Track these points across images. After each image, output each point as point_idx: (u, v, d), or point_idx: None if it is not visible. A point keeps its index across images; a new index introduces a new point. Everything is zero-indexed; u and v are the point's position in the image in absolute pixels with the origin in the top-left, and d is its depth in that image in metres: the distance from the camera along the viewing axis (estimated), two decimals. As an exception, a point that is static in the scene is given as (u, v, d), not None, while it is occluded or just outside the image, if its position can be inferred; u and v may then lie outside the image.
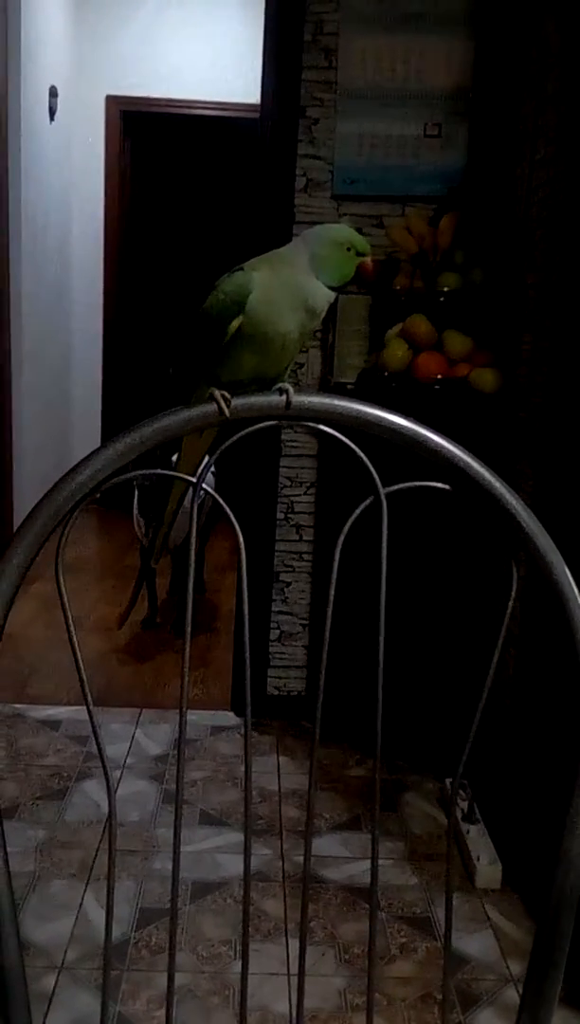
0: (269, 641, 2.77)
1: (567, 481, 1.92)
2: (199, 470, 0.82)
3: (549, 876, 0.77)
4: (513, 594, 0.79)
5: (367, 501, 0.79)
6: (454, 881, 0.84)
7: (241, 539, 0.80)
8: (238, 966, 1.76)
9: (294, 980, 1.73)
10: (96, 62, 4.81)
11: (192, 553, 0.82)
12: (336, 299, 0.85)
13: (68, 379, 5.11)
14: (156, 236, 5.43)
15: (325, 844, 2.16)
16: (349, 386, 2.49)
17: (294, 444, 2.66)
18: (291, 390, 0.79)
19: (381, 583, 0.80)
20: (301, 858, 2.10)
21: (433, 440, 0.78)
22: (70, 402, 5.16)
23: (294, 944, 1.83)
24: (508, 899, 2.00)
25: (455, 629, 2.38)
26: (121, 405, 5.25)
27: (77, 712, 2.71)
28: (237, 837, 2.17)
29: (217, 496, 0.82)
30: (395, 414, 0.79)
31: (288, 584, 2.75)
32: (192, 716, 2.73)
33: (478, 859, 2.04)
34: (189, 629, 0.81)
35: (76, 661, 0.76)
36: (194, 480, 0.80)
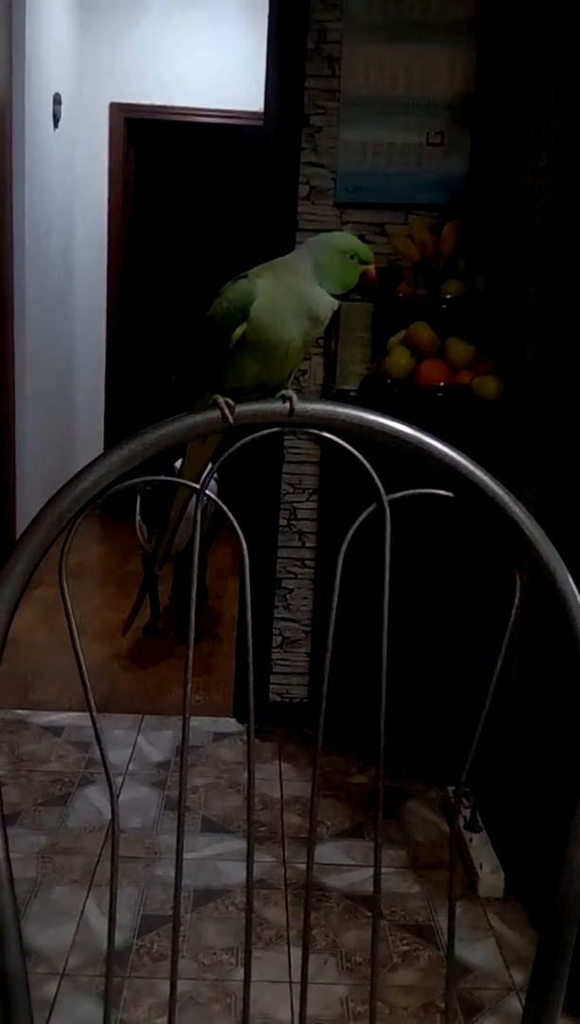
0: (271, 648, 2.77)
1: (569, 489, 1.92)
2: (203, 477, 0.82)
3: (552, 885, 0.77)
4: (516, 602, 0.79)
5: (371, 508, 0.79)
6: (456, 889, 0.83)
7: (245, 546, 0.80)
8: (240, 973, 1.75)
9: (296, 988, 1.73)
10: (100, 69, 4.83)
11: (195, 560, 0.82)
12: (339, 306, 0.86)
13: (71, 384, 5.12)
14: (159, 243, 5.45)
15: (327, 852, 2.15)
16: (352, 393, 2.50)
17: (297, 450, 2.66)
18: (295, 397, 0.79)
19: (384, 590, 0.80)
20: (303, 865, 2.09)
21: (436, 447, 0.79)
22: (73, 407, 5.17)
23: (296, 952, 1.82)
24: (511, 908, 2.00)
25: (457, 636, 2.38)
26: (124, 410, 5.25)
27: (79, 718, 2.71)
28: (239, 844, 2.16)
29: (221, 503, 0.83)
30: (398, 421, 0.79)
31: (290, 591, 2.75)
32: (194, 722, 2.73)
33: (481, 867, 2.04)
34: (193, 635, 0.81)
35: (80, 668, 0.76)
36: (197, 486, 0.81)
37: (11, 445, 4.11)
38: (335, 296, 0.84)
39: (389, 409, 0.80)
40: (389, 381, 2.37)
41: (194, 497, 0.80)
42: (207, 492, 0.80)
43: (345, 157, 2.52)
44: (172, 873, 2.00)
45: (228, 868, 2.07)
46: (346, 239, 0.84)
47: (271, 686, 2.79)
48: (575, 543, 1.13)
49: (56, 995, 1.68)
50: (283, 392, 0.80)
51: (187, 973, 1.75)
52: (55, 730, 2.64)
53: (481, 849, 2.10)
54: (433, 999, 1.73)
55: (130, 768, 2.48)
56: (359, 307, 2.47)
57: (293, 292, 0.82)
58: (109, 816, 2.24)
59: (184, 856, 0.81)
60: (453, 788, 2.37)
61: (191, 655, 0.81)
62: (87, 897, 1.95)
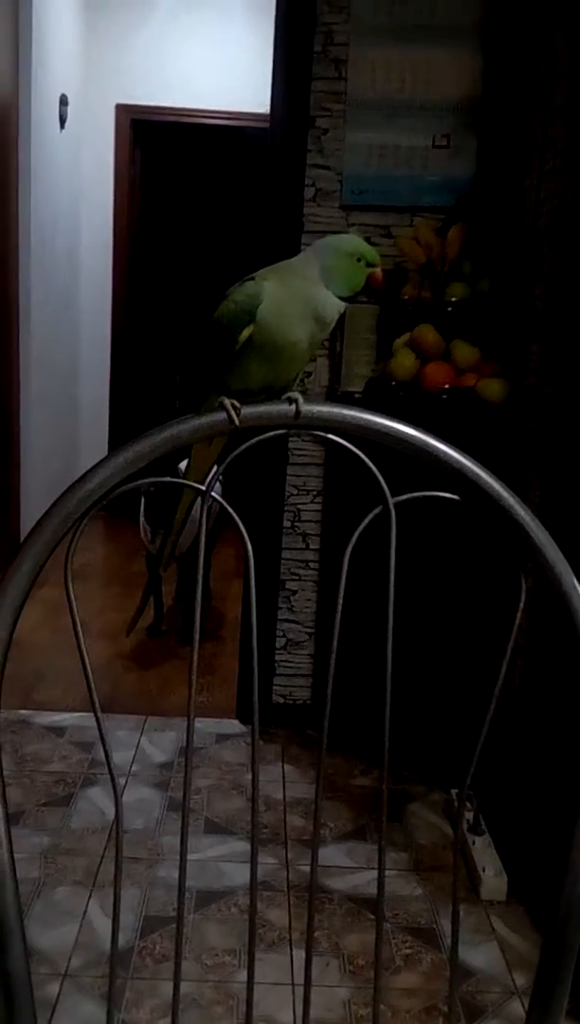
0: (275, 649, 2.77)
1: (574, 492, 1.92)
2: (208, 479, 0.82)
3: (556, 889, 0.76)
4: (521, 605, 0.79)
5: (376, 510, 0.79)
6: (459, 892, 0.83)
7: (250, 548, 0.80)
8: (242, 975, 1.75)
9: (298, 990, 1.73)
10: (107, 70, 4.84)
11: (201, 561, 0.82)
12: (345, 309, 0.86)
13: (76, 386, 5.13)
14: (165, 244, 5.45)
15: (330, 854, 2.15)
16: (356, 395, 2.50)
17: (301, 452, 2.66)
18: (301, 399, 0.79)
19: (389, 593, 0.80)
20: (305, 867, 2.09)
21: (442, 451, 0.79)
22: (78, 409, 5.17)
23: (298, 954, 1.82)
24: (514, 911, 1.99)
25: (460, 639, 2.38)
26: (129, 412, 5.26)
27: (82, 718, 2.71)
28: (241, 846, 2.16)
29: (226, 505, 0.83)
30: (404, 424, 0.79)
31: (294, 592, 2.75)
32: (197, 724, 2.73)
33: (483, 870, 2.04)
34: (197, 637, 0.81)
35: (85, 670, 0.76)
36: (203, 488, 0.81)
37: (16, 446, 4.11)
38: (341, 298, 0.84)
39: (394, 411, 0.80)
40: (394, 383, 2.37)
41: (199, 499, 0.80)
42: (213, 494, 0.80)
43: (351, 159, 2.53)
44: (175, 874, 2.00)
45: (230, 870, 2.07)
46: (353, 242, 0.84)
47: (274, 688, 2.79)
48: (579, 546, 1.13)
49: (58, 996, 1.68)
50: (289, 394, 0.80)
51: (189, 975, 1.75)
52: (58, 730, 2.65)
53: (484, 852, 2.10)
54: (435, 1002, 1.72)
55: (133, 769, 2.48)
56: (364, 309, 2.47)
57: (300, 294, 0.83)
58: (112, 817, 2.24)
59: (186, 857, 0.81)
60: (456, 791, 2.37)
61: (196, 657, 0.81)
62: (89, 898, 1.95)
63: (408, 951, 1.86)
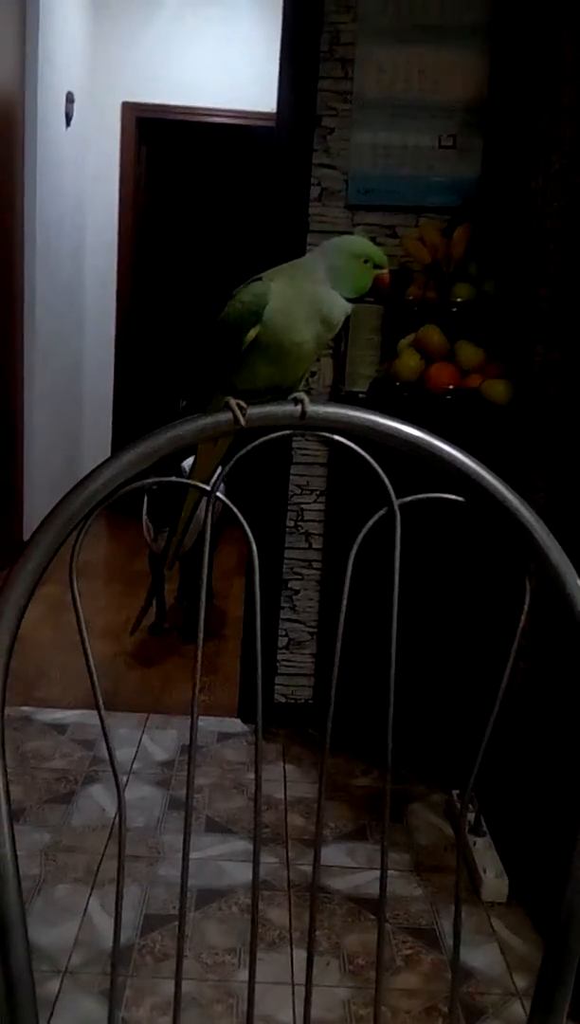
0: (277, 649, 2.77)
1: (578, 494, 1.92)
2: (213, 479, 0.83)
3: (558, 893, 0.76)
4: (526, 608, 0.79)
5: (381, 512, 0.79)
6: (460, 894, 0.83)
7: (254, 547, 0.80)
8: (242, 974, 1.75)
9: (297, 989, 1.73)
10: (113, 69, 4.84)
11: (205, 561, 0.82)
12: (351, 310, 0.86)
13: (79, 384, 5.13)
14: (169, 243, 5.45)
15: (330, 854, 2.15)
16: (361, 395, 2.50)
17: (305, 452, 2.66)
18: (307, 400, 0.79)
19: (393, 594, 0.80)
20: (305, 867, 2.09)
21: (448, 452, 0.78)
22: (81, 407, 5.18)
23: (298, 953, 1.82)
24: (514, 913, 1.99)
25: (462, 639, 2.38)
26: (132, 410, 5.26)
27: (84, 716, 2.71)
28: (242, 845, 2.17)
29: (232, 505, 0.83)
30: (410, 426, 0.79)
31: (297, 592, 2.75)
32: (199, 722, 2.72)
33: (484, 872, 2.04)
34: (201, 636, 0.81)
35: (89, 668, 0.76)
36: (208, 488, 0.81)
37: (19, 444, 4.12)
38: (348, 300, 0.84)
39: (398, 412, 0.80)
40: (398, 384, 2.37)
41: (204, 498, 0.80)
42: (218, 494, 0.80)
43: (357, 159, 2.53)
44: (175, 872, 2.01)
45: (231, 868, 2.08)
46: (360, 243, 0.84)
47: (276, 687, 2.79)
48: (584, 549, 1.13)
49: (58, 993, 1.68)
50: (295, 395, 0.80)
51: (189, 973, 1.75)
52: (59, 727, 2.65)
53: (485, 853, 2.10)
54: (435, 1003, 1.72)
55: (134, 767, 2.48)
56: (369, 309, 2.47)
57: (306, 295, 0.83)
58: (112, 814, 2.24)
59: (189, 856, 0.81)
60: (457, 791, 2.37)
61: (201, 655, 0.81)
62: (90, 895, 1.95)
63: (408, 952, 1.86)
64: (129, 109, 4.91)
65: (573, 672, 0.77)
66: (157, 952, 1.81)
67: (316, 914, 0.83)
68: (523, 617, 0.79)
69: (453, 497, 0.79)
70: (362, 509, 0.81)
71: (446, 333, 2.38)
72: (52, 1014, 1.64)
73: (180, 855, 0.79)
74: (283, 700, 2.79)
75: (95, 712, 2.86)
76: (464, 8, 2.46)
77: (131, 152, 5.00)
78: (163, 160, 5.29)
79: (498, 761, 2.25)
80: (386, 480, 0.78)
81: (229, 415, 0.78)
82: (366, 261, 0.84)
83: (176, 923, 1.88)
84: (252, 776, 2.46)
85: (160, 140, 5.17)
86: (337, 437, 0.81)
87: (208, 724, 2.74)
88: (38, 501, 4.16)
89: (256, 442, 0.81)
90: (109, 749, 0.81)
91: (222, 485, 0.80)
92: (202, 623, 0.81)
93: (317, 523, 2.70)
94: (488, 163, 2.53)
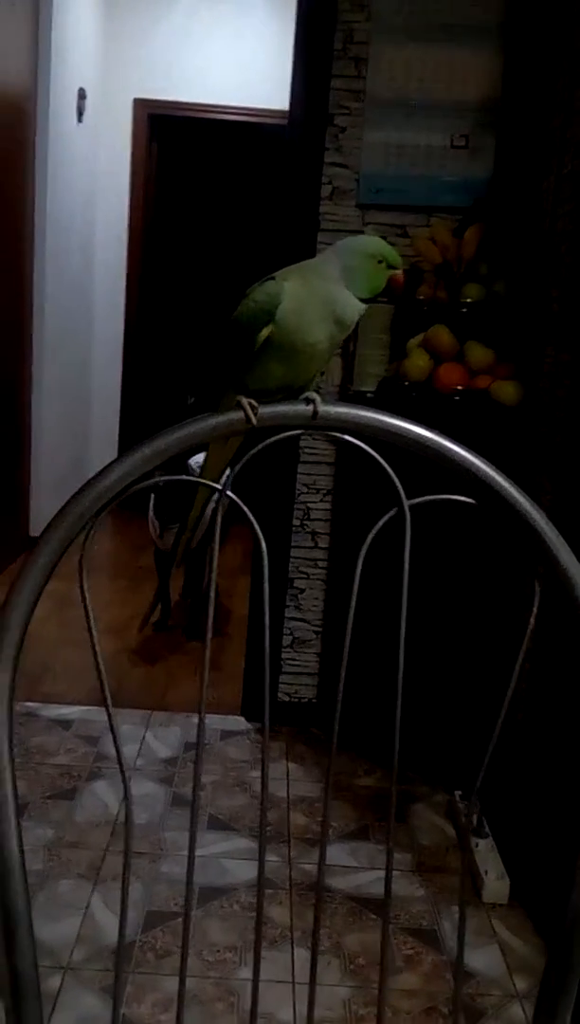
0: (282, 647, 2.77)
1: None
2: (224, 477, 0.82)
3: (563, 898, 0.76)
4: (535, 610, 0.79)
5: (391, 512, 0.79)
6: (463, 895, 0.83)
7: (264, 546, 0.80)
8: (243, 972, 1.75)
9: (298, 988, 1.73)
10: (125, 65, 4.84)
11: (215, 559, 0.82)
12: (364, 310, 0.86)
13: (88, 379, 5.13)
14: (179, 239, 5.45)
15: (333, 853, 2.15)
16: (369, 395, 2.49)
17: (312, 451, 2.66)
18: (318, 400, 0.79)
19: (402, 595, 0.80)
20: (308, 866, 2.09)
21: (459, 454, 0.78)
22: (89, 402, 5.18)
23: (299, 952, 1.82)
24: (515, 914, 1.99)
25: (467, 640, 2.37)
26: (140, 407, 5.26)
27: (88, 712, 2.72)
28: (244, 843, 2.17)
29: (243, 505, 0.82)
30: (421, 426, 0.79)
31: (302, 591, 2.74)
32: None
33: (486, 873, 2.03)
34: (209, 635, 0.81)
35: (97, 666, 0.76)
36: (219, 487, 0.81)
37: (27, 439, 4.12)
38: (362, 300, 0.84)
39: (406, 412, 0.80)
40: (407, 383, 2.37)
41: (213, 496, 0.80)
42: (229, 493, 0.80)
43: (369, 158, 2.52)
44: (177, 869, 2.01)
45: (233, 866, 2.08)
46: (374, 243, 0.84)
47: (280, 685, 2.79)
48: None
49: (60, 989, 1.69)
50: (307, 394, 0.80)
51: (191, 971, 1.75)
52: (64, 723, 2.65)
53: (487, 855, 2.09)
54: (435, 1003, 1.72)
55: (137, 764, 2.48)
56: (379, 308, 2.47)
57: (320, 295, 0.82)
58: (116, 811, 2.24)
59: (195, 853, 0.81)
60: (459, 792, 2.36)
61: (208, 654, 0.81)
62: (92, 891, 1.95)
63: (409, 952, 1.86)
64: (140, 105, 4.91)
65: (578, 673, 0.77)
66: (159, 949, 1.81)
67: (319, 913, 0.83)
68: (532, 619, 0.79)
69: (465, 499, 0.79)
70: (369, 509, 0.81)
71: (456, 333, 2.37)
72: (53, 1009, 1.64)
73: (183, 852, 0.79)
74: (287, 699, 2.79)
75: (99, 708, 2.85)
76: (478, 8, 2.46)
77: (142, 148, 4.99)
78: (174, 156, 5.29)
79: (502, 763, 2.25)
80: (397, 482, 0.78)
81: (241, 414, 0.78)
82: (380, 261, 0.84)
83: (178, 920, 1.88)
84: (255, 774, 2.46)
85: (171, 136, 5.17)
86: (348, 437, 0.81)
87: (211, 722, 2.74)
88: (45, 496, 4.16)
89: (267, 441, 0.81)
90: (117, 747, 0.81)
91: (230, 483, 0.80)
92: (211, 621, 0.81)
93: (323, 522, 2.70)
94: (500, 163, 2.53)
